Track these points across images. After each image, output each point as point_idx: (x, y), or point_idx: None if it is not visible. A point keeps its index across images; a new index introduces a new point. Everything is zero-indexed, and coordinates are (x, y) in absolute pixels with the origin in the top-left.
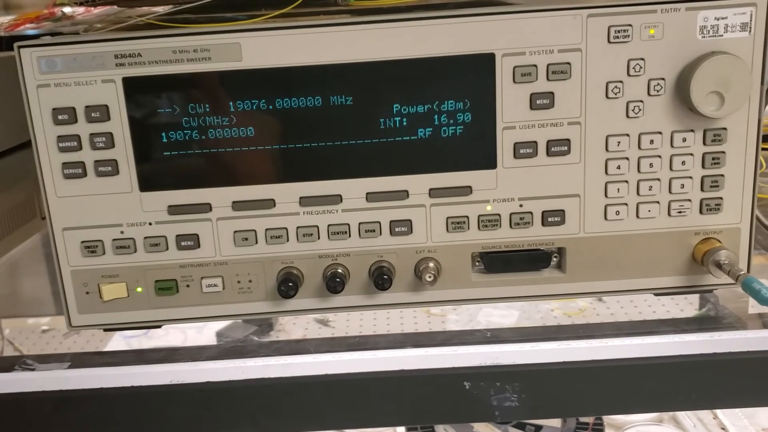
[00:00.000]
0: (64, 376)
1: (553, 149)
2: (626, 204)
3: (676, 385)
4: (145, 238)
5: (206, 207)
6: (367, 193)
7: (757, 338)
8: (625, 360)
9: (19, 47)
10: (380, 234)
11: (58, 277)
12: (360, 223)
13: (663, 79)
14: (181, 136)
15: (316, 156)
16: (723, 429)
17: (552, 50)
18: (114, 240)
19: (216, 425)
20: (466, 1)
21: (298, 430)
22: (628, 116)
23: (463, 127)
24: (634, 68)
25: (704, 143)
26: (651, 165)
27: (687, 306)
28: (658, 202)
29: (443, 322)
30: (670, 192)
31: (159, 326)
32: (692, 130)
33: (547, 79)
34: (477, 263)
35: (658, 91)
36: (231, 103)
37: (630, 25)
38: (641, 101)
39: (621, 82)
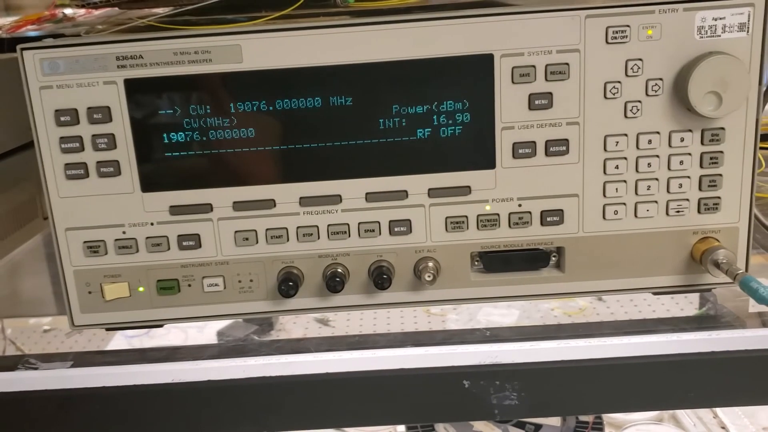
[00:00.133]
0: (67, 375)
1: (551, 149)
2: (625, 204)
3: (675, 384)
4: (147, 238)
5: (207, 207)
6: (367, 193)
7: (755, 337)
8: (624, 359)
9: (22, 49)
10: (380, 234)
11: (61, 277)
12: (359, 223)
13: (661, 79)
14: (182, 137)
15: (316, 156)
16: (723, 428)
17: (550, 51)
18: (116, 240)
19: (217, 424)
20: (465, 2)
21: (299, 428)
22: (626, 116)
23: (462, 127)
24: (632, 68)
25: (702, 143)
26: (649, 165)
27: (687, 305)
28: (656, 202)
29: (443, 322)
30: (668, 191)
31: (161, 325)
32: (690, 130)
33: (546, 79)
34: (476, 263)
35: (656, 92)
36: (232, 104)
37: (628, 26)
38: (639, 101)
39: (619, 82)
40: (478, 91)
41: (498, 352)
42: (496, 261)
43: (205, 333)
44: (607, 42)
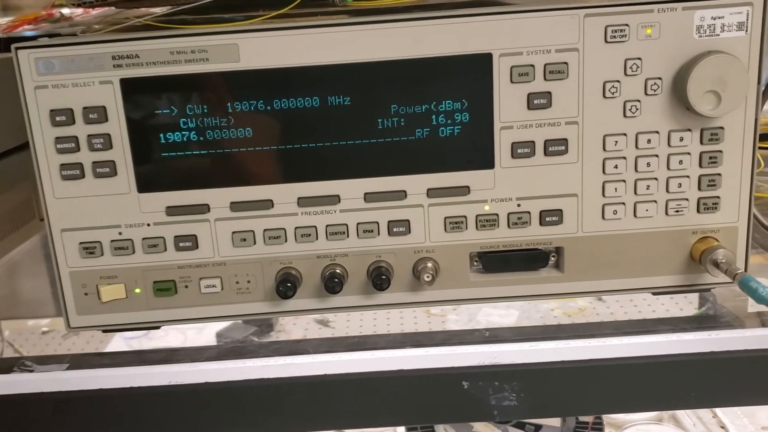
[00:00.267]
0: (63, 378)
1: (550, 149)
2: (624, 203)
3: (674, 384)
4: (144, 239)
5: (204, 208)
6: (365, 194)
7: (754, 337)
8: (623, 359)
9: (17, 48)
10: (378, 234)
11: (57, 278)
12: (358, 224)
13: (660, 78)
14: (179, 137)
15: (314, 156)
16: (722, 428)
17: (549, 50)
18: (112, 241)
19: (215, 426)
20: (463, 2)
21: (298, 430)
22: (625, 116)
23: (460, 127)
24: (631, 68)
25: (701, 142)
26: (648, 164)
27: (687, 305)
28: (655, 202)
29: (443, 322)
30: (667, 191)
31: (158, 327)
32: (689, 130)
33: (545, 78)
34: (475, 263)
35: (655, 91)
36: (229, 104)
37: (627, 25)
38: (638, 101)
39: (618, 81)
40: (476, 90)
41: (497, 353)
42: (495, 261)
43: (205, 334)
44: (606, 41)
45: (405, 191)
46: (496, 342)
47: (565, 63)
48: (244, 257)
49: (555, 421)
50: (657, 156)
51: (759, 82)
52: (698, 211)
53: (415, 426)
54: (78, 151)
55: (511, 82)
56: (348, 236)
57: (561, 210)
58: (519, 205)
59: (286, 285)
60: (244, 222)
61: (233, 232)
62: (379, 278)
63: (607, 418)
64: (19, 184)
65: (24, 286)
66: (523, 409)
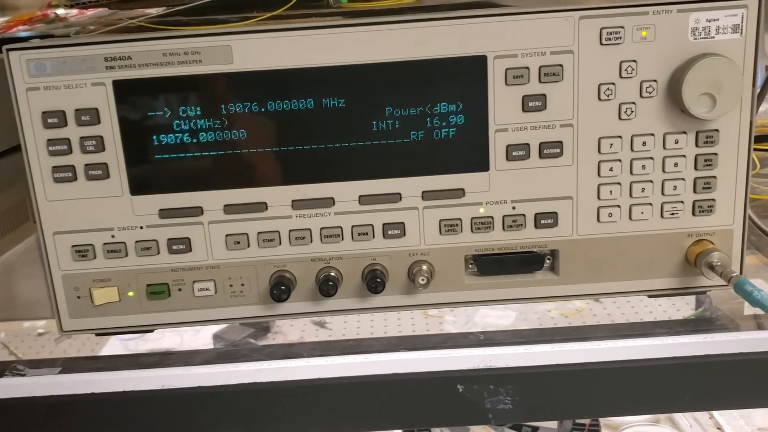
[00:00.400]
0: (55, 382)
1: (545, 151)
2: (619, 206)
3: (670, 387)
4: (137, 242)
5: (198, 210)
6: (360, 196)
7: (750, 340)
8: (618, 362)
9: (8, 50)
10: (373, 237)
11: (49, 281)
12: (353, 226)
13: (655, 80)
14: (172, 139)
15: (308, 159)
16: (719, 429)
17: (544, 52)
18: (105, 244)
19: (209, 430)
20: (458, 4)
21: None
22: (620, 118)
23: (455, 129)
24: (626, 70)
25: (696, 145)
26: (643, 167)
27: (683, 307)
28: (650, 204)
29: (440, 324)
30: (662, 194)
31: (151, 330)
32: (684, 132)
33: (540, 81)
34: (470, 266)
35: (650, 93)
36: (222, 106)
37: (622, 27)
38: (633, 103)
39: (613, 84)
40: (471, 92)
41: (492, 356)
42: (490, 264)
43: (200, 336)
44: (601, 43)
45: (400, 194)
46: (491, 345)
47: (560, 65)
48: (237, 260)
49: (552, 423)
50: (652, 158)
51: (754, 85)
52: (693, 213)
53: (411, 429)
54: (70, 153)
55: (506, 84)
56: (342, 239)
57: (556, 212)
58: (514, 208)
59: (280, 288)
60: (237, 224)
61: (227, 235)
62: (373, 281)
63: (603, 419)
64: (13, 186)
65: (19, 287)
66: (518, 413)
